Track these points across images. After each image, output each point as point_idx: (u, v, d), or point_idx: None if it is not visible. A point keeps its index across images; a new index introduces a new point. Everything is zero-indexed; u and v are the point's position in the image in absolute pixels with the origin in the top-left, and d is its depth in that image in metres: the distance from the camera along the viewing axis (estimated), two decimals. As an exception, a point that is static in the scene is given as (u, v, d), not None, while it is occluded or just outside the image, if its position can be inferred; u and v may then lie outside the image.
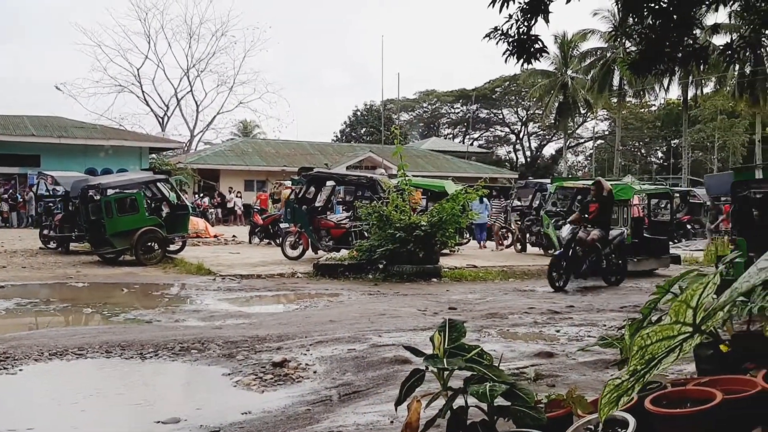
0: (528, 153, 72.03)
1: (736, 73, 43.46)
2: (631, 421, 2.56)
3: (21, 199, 31.65)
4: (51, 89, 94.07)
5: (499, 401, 2.97)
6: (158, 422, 4.89)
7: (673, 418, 2.54)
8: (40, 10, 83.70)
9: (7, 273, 14.19)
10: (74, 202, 17.93)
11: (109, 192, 16.67)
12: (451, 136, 73.19)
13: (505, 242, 21.15)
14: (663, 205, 21.58)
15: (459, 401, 3.10)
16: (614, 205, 14.24)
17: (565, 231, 12.95)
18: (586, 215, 13.06)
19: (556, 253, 13.04)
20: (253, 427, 4.72)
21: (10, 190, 32.24)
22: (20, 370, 6.31)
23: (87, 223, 16.67)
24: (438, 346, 3.06)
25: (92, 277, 13.80)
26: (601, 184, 13.34)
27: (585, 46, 51.05)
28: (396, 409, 3.26)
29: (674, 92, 58.41)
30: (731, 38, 14.80)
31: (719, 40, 36.77)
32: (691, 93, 48.96)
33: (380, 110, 58.42)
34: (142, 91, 53.54)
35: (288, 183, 23.85)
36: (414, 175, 19.51)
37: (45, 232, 19.75)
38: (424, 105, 73.79)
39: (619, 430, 2.62)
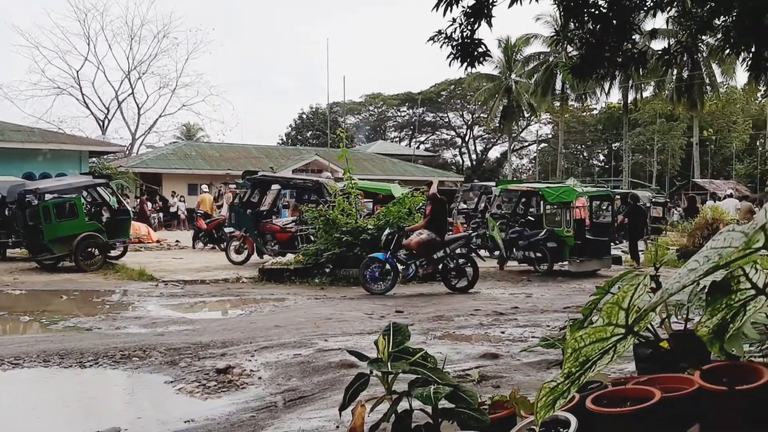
0: (474, 156, 72.81)
1: (674, 78, 44.73)
2: (573, 420, 2.59)
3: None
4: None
5: (444, 404, 2.97)
6: (97, 432, 4.77)
7: (614, 416, 2.57)
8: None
9: (-61, 281, 13.70)
10: (11, 208, 17.36)
11: (47, 197, 16.20)
12: (397, 139, 73.47)
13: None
14: (604, 207, 22.04)
15: (404, 405, 3.09)
16: (446, 207, 13.75)
17: (385, 231, 12.76)
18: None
19: (374, 255, 12.48)
20: (196, 435, 4.64)
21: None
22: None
23: (24, 228, 16.18)
24: (382, 350, 3.04)
25: (30, 284, 13.41)
26: (431, 185, 13.30)
27: (528, 51, 51.98)
28: (340, 414, 3.24)
29: (615, 96, 59.80)
30: (669, 43, 15.17)
31: (658, 45, 37.91)
32: (631, 97, 50.21)
33: (326, 113, 58.24)
34: (82, 94, 52.29)
35: (233, 186, 23.62)
36: (360, 178, 19.50)
37: (-21, 238, 19.09)
38: (371, 108, 73.90)
39: (561, 429, 2.65)
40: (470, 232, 14.07)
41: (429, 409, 3.03)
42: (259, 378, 6.15)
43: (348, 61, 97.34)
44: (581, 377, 2.38)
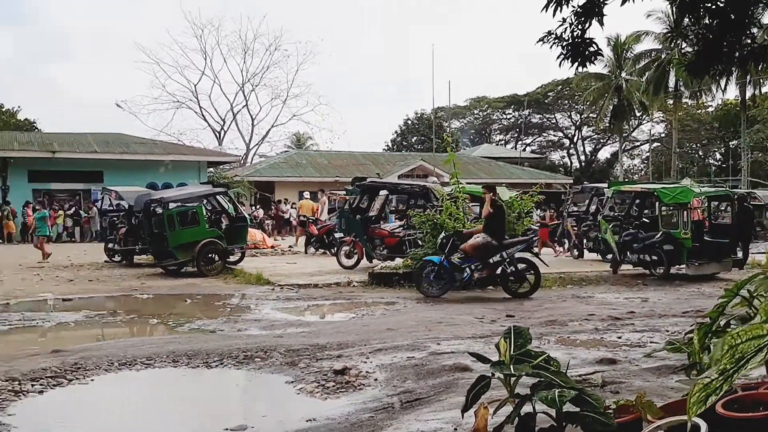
0: (582, 157, 71.14)
1: (796, 71, 42.24)
2: (703, 425, 2.56)
3: (85, 215, 32.60)
4: (113, 107, 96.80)
5: (567, 407, 2.99)
6: (226, 429, 5.02)
7: (746, 421, 2.53)
8: (101, 31, 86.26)
9: (75, 286, 14.66)
10: (137, 216, 18.40)
11: (171, 205, 17.06)
12: (503, 142, 72.78)
13: (561, 248, 20.97)
14: (723, 208, 21.09)
15: (526, 408, 3.13)
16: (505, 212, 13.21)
17: (440, 235, 12.66)
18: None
19: (428, 257, 12.62)
20: (319, 433, 4.81)
21: (75, 206, 33.22)
22: (91, 380, 6.53)
23: (150, 236, 17.10)
24: (504, 352, 3.09)
25: (156, 289, 14.15)
26: (492, 189, 12.83)
27: (639, 48, 50.27)
28: (462, 416, 3.31)
29: (732, 92, 57.04)
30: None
31: (779, 37, 35.86)
32: (749, 93, 47.71)
33: (431, 118, 58.39)
34: (200, 107, 54.71)
35: (342, 193, 24.10)
36: (467, 183, 19.49)
37: (110, 245, 20.29)
38: (475, 112, 73.52)
39: (690, 435, 2.63)
40: (531, 236, 13.48)
41: (552, 412, 3.05)
42: (375, 379, 6.29)
43: (452, 65, 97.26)
44: (735, 374, 2.37)
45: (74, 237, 32.55)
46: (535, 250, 14.03)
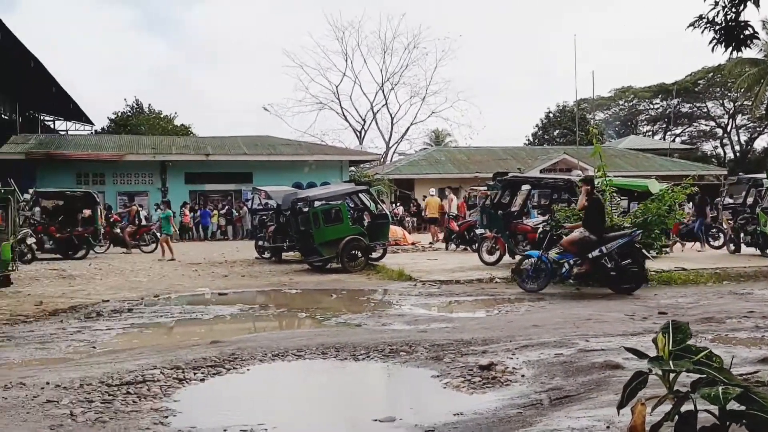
0: (737, 147, 66.91)
1: None
2: None
3: (237, 214, 34.29)
4: (260, 110, 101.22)
5: (731, 406, 2.84)
6: (375, 420, 5.13)
7: None
8: (248, 38, 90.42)
9: (229, 281, 15.46)
10: (285, 215, 19.14)
11: (316, 204, 17.62)
12: (650, 133, 69.74)
13: (716, 243, 19.84)
14: None
15: (686, 406, 3.00)
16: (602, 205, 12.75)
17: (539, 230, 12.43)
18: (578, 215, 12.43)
19: (527, 252, 12.69)
20: (467, 428, 4.82)
21: (227, 206, 35.03)
22: (247, 369, 6.86)
23: (297, 233, 17.75)
24: (662, 348, 2.98)
25: (303, 284, 14.67)
26: (589, 182, 12.40)
27: (799, 30, 46.63)
28: (618, 412, 3.21)
29: None
30: None
31: None
32: None
33: (574, 111, 56.90)
34: (341, 107, 56.11)
35: (483, 188, 23.96)
36: (614, 176, 18.84)
37: (260, 243, 21.26)
38: (620, 103, 70.88)
39: None
40: (634, 230, 12.68)
41: (715, 410, 2.91)
42: (522, 376, 6.22)
43: (595, 55, 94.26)
44: None
45: (227, 235, 34.30)
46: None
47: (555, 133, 62.85)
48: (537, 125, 65.53)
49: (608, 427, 4.47)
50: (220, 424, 4.96)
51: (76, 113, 45.96)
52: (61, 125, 50.42)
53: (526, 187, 19.05)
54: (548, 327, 8.60)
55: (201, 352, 7.39)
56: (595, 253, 11.79)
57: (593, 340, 7.62)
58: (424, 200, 35.67)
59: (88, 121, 49.08)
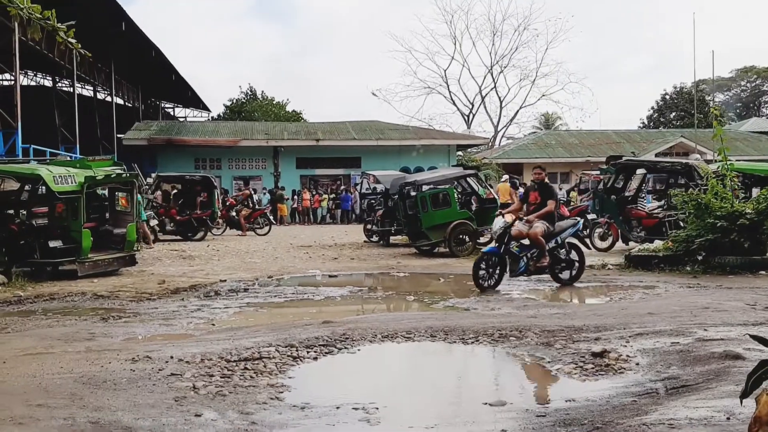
0: None
1: None
2: None
3: (352, 197, 34.86)
4: (368, 95, 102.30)
5: None
6: (486, 404, 5.13)
7: None
8: (357, 23, 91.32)
9: (339, 264, 15.78)
10: (393, 199, 19.32)
11: (424, 188, 17.68)
12: (775, 115, 65.90)
13: None
14: None
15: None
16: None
17: (497, 224, 11.36)
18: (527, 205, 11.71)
19: (486, 249, 11.90)
20: (579, 414, 4.76)
21: (337, 191, 35.66)
22: (358, 350, 7.00)
23: (405, 217, 17.90)
24: (790, 336, 2.85)
25: (411, 268, 14.79)
26: (543, 169, 11.97)
27: None
28: (741, 402, 3.10)
29: None
30: None
31: None
32: None
33: (692, 92, 54.46)
34: (449, 91, 55.97)
35: (595, 173, 23.37)
36: (735, 159, 17.95)
37: (368, 226, 21.56)
38: (742, 83, 67.41)
39: None
40: (577, 218, 12.43)
41: None
42: (637, 364, 6.06)
43: (716, 34, 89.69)
44: None
45: (336, 219, 34.97)
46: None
47: (671, 115, 60.42)
48: (652, 107, 63.21)
49: (728, 418, 4.32)
50: (333, 402, 5.10)
51: (194, 101, 47.96)
52: (180, 112, 52.75)
53: (641, 171, 18.45)
54: (664, 315, 8.33)
55: (313, 332, 7.59)
56: (552, 243, 11.41)
57: (712, 329, 7.33)
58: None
59: (205, 108, 51.11)
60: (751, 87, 67.48)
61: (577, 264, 11.80)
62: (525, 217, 11.44)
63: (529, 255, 11.39)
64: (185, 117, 51.67)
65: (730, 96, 68.32)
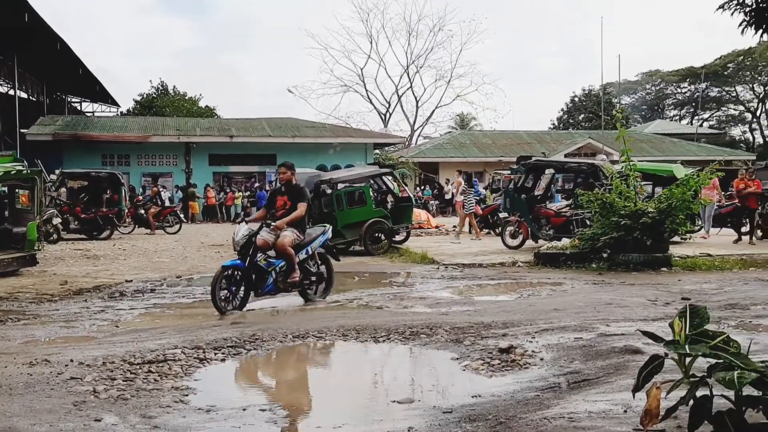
0: (766, 132, 65.88)
1: None
2: None
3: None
4: (284, 92, 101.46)
5: (748, 391, 2.81)
6: (394, 401, 5.16)
7: None
8: (273, 19, 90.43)
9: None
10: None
11: (340, 186, 17.65)
12: (677, 117, 68.95)
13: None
14: None
15: (702, 391, 2.98)
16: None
17: (240, 232, 9.46)
18: (274, 211, 9.94)
19: (227, 262, 9.71)
20: (484, 409, 4.83)
21: (250, 189, 35.20)
22: (268, 350, 6.91)
23: (320, 216, 17.78)
24: (678, 332, 2.96)
25: (325, 266, 14.70)
26: (289, 167, 10.09)
27: (835, 10, 45.63)
28: (633, 396, 3.21)
29: None
30: None
31: None
32: None
33: (599, 95, 56.31)
34: (366, 90, 56.04)
35: (506, 172, 23.86)
36: (639, 160, 18.65)
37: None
38: (647, 86, 70.12)
39: None
40: (326, 226, 10.75)
41: (731, 395, 2.89)
42: (541, 359, 6.21)
43: (623, 38, 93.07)
44: None
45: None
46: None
47: (580, 117, 62.34)
48: (562, 109, 65.10)
49: (626, 411, 4.46)
50: (239, 404, 5.01)
51: (102, 95, 46.40)
52: (87, 107, 50.96)
53: (549, 171, 18.95)
54: (569, 311, 8.57)
55: (222, 333, 7.46)
56: (302, 255, 9.84)
57: (613, 324, 7.59)
58: (448, 183, 35.60)
59: (114, 103, 49.54)
60: (656, 90, 70.29)
61: (325, 278, 10.28)
62: (272, 224, 9.61)
63: (278, 269, 9.62)
64: (93, 112, 49.97)
65: (636, 99, 70.97)
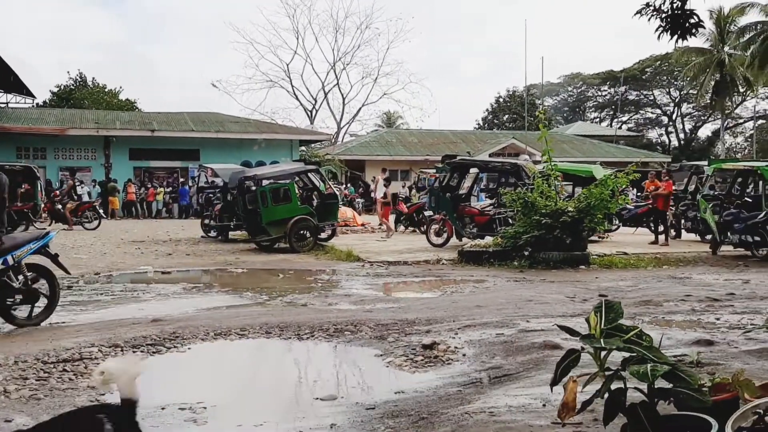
0: (681, 135, 68.54)
1: None
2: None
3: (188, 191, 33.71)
4: (208, 87, 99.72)
5: (660, 384, 2.91)
6: (317, 399, 5.14)
7: None
8: (198, 12, 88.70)
9: (173, 260, 15.24)
10: (232, 193, 18.92)
11: (264, 183, 17.46)
12: (597, 120, 70.93)
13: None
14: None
15: (617, 384, 3.07)
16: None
17: None
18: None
19: None
20: (407, 405, 4.86)
21: (173, 184, 34.48)
22: (188, 348, 6.78)
23: (244, 212, 17.57)
24: (594, 326, 3.04)
25: (250, 264, 14.55)
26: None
27: (744, 21, 47.78)
28: (551, 390, 3.27)
29: None
30: None
31: None
32: None
33: (523, 96, 57.46)
34: (292, 86, 55.59)
35: (432, 171, 24.09)
36: (560, 161, 19.11)
37: (206, 221, 20.98)
38: (569, 89, 71.88)
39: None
40: (47, 230, 8.84)
41: (644, 387, 2.98)
42: (464, 355, 6.29)
43: (546, 41, 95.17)
44: None
45: (173, 213, 33.80)
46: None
47: (504, 117, 63.46)
48: (487, 110, 66.16)
49: (544, 405, 4.56)
50: (158, 403, 4.89)
51: (16, 85, 44.52)
52: (0, 98, 48.85)
53: (474, 171, 19.22)
54: (491, 308, 8.71)
55: (141, 331, 7.28)
56: None
57: (534, 320, 7.75)
58: (373, 181, 35.68)
59: (30, 94, 47.60)
60: (578, 92, 72.13)
61: (45, 296, 8.07)
62: None
63: None
64: (6, 103, 48.00)
65: (558, 100, 72.69)
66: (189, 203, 32.94)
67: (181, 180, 34.46)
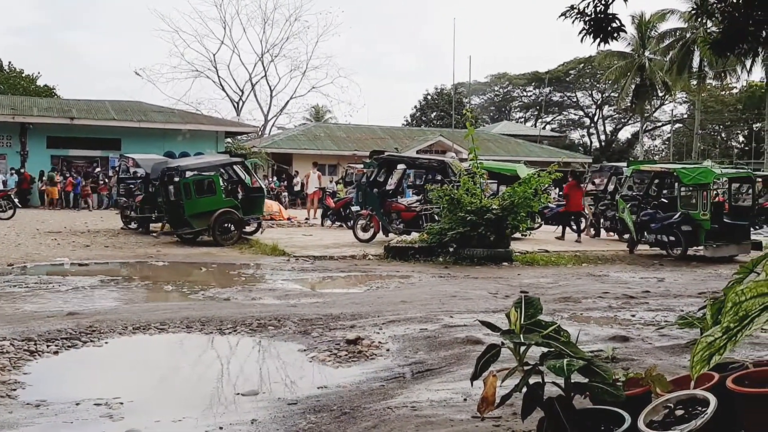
0: (603, 137, 70.59)
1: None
2: (712, 400, 2.54)
3: (102, 183, 32.77)
4: (131, 75, 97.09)
5: (576, 379, 2.98)
6: (238, 394, 5.08)
7: (757, 397, 2.51)
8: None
9: (91, 252, 14.79)
10: (154, 184, 18.46)
11: (188, 174, 17.10)
12: (522, 119, 72.33)
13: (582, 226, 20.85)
14: (744, 191, 20.91)
15: (535, 378, 3.13)
16: None
17: None
18: None
19: None
20: (329, 400, 4.84)
21: (93, 174, 33.41)
22: (106, 342, 6.60)
23: (166, 204, 17.18)
24: (514, 322, 3.09)
25: (172, 257, 14.24)
26: None
27: (663, 27, 49.51)
28: (471, 384, 3.31)
29: (757, 74, 55.94)
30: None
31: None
32: (775, 74, 46.87)
33: (451, 94, 58.06)
34: (218, 76, 54.47)
35: (359, 166, 24.10)
36: (486, 159, 19.38)
37: (126, 212, 20.41)
38: (496, 88, 73.04)
39: (700, 408, 2.61)
40: None
41: (561, 382, 3.05)
42: (387, 350, 6.32)
43: (474, 40, 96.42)
44: (739, 333, 2.32)
45: (90, 204, 32.79)
46: None
47: (432, 115, 63.96)
48: (415, 107, 66.52)
49: (465, 399, 4.62)
50: (73, 398, 4.75)
51: (-75, 67, 42.44)
52: None
53: (401, 167, 19.31)
54: (415, 303, 8.77)
55: (56, 324, 7.04)
56: None
57: (457, 316, 7.84)
58: (297, 175, 35.46)
59: (-60, 77, 45.45)
60: (504, 92, 73.37)
61: None
62: None
63: None
64: None
65: (485, 99, 73.77)
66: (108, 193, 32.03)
67: (99, 170, 33.41)
